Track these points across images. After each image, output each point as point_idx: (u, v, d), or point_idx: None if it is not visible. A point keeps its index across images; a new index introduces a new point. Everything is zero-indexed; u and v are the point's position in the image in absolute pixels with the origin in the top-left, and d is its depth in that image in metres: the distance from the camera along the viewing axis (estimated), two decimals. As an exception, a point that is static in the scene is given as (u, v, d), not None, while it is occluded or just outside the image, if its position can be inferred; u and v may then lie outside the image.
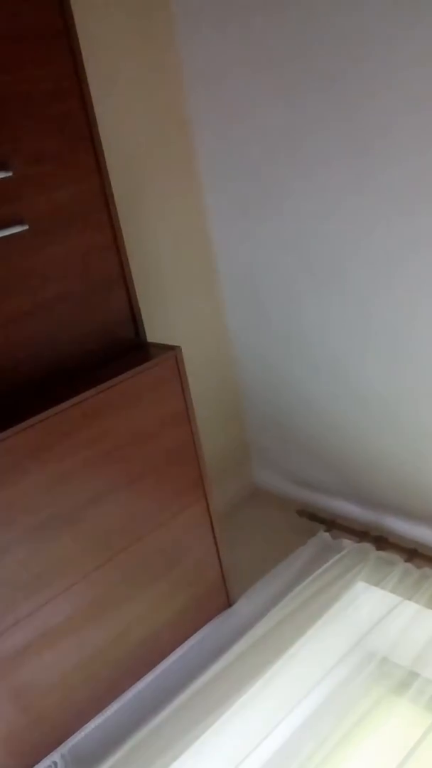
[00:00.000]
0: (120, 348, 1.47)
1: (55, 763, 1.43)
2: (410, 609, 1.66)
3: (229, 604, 1.74)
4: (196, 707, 1.51)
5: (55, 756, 1.44)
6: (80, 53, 1.29)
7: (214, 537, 1.65)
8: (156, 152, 1.79)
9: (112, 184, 1.39)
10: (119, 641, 1.50)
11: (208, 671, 1.58)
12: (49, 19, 1.24)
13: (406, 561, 1.76)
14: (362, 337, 1.74)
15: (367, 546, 1.84)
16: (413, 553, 1.78)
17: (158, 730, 1.48)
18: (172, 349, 1.45)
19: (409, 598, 1.66)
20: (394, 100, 1.44)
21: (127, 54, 1.67)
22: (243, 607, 1.74)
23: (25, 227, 1.25)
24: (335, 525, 1.94)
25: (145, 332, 1.51)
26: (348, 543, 1.87)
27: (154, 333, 1.59)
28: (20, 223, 1.25)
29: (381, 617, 1.66)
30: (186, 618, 1.64)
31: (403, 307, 1.63)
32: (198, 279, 1.98)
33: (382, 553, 1.81)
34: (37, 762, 1.41)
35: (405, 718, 1.56)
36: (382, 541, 1.84)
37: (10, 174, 1.22)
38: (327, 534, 1.91)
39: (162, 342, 1.51)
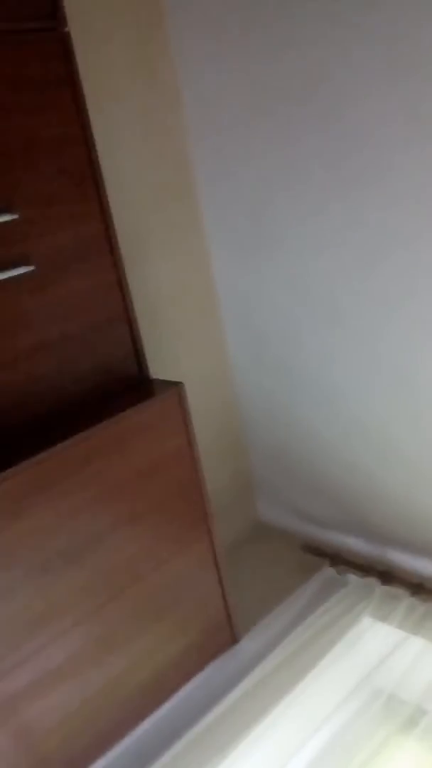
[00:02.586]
0: (123, 384, 1.48)
1: (58, 807, 1.41)
2: (417, 644, 1.65)
3: (234, 641, 1.73)
4: (202, 747, 1.49)
5: (59, 799, 1.41)
6: (84, 99, 1.33)
7: (219, 574, 1.64)
8: (158, 193, 1.83)
9: (116, 224, 1.42)
10: (123, 681, 1.49)
11: (213, 710, 1.56)
12: (53, 67, 1.28)
13: (411, 595, 1.75)
14: (363, 370, 1.76)
15: (373, 581, 1.83)
16: (419, 588, 1.77)
17: (164, 772, 1.46)
18: (175, 385, 1.47)
19: (416, 633, 1.65)
20: (392, 138, 1.47)
21: (129, 99, 1.72)
22: (248, 644, 1.73)
23: (31, 268, 1.28)
24: (340, 560, 1.93)
25: (148, 369, 1.52)
26: (353, 578, 1.86)
27: (158, 369, 1.60)
28: (26, 263, 1.28)
29: (387, 653, 1.65)
30: (190, 656, 1.63)
31: (404, 339, 1.65)
32: (200, 315, 2.00)
33: (387, 588, 1.80)
34: (41, 805, 1.39)
35: (413, 756, 1.54)
36: (387, 575, 1.83)
37: (16, 216, 1.25)
38: (332, 569, 1.91)
39: (165, 378, 1.52)
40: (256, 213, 1.80)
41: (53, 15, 1.26)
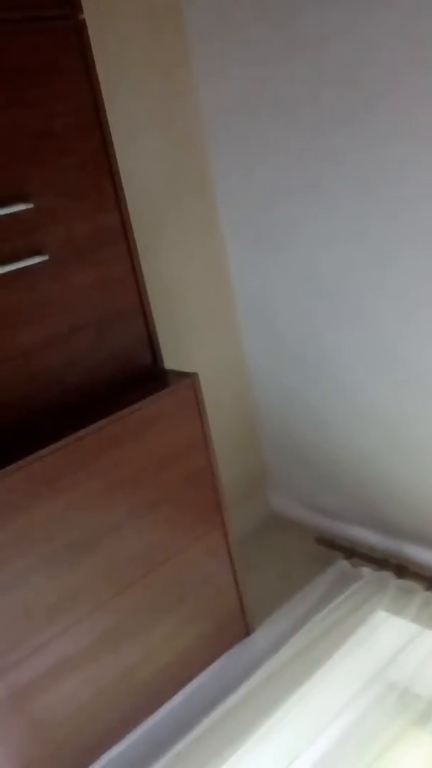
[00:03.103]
0: (138, 375, 1.48)
1: (72, 795, 1.42)
2: (431, 638, 1.63)
3: (247, 633, 1.73)
4: (214, 738, 1.49)
5: (72, 787, 1.42)
6: (100, 88, 1.32)
7: (232, 565, 1.64)
8: (175, 185, 1.82)
9: (131, 215, 1.41)
10: (136, 670, 1.50)
11: (226, 702, 1.56)
12: (69, 56, 1.28)
13: (426, 590, 1.74)
14: (379, 362, 1.75)
15: (387, 574, 1.82)
16: (434, 582, 1.76)
17: (176, 762, 1.46)
18: (190, 376, 1.46)
19: (430, 628, 1.64)
20: (415, 134, 1.45)
21: (147, 90, 1.71)
22: (261, 636, 1.73)
23: (45, 258, 1.28)
24: (354, 553, 1.93)
25: (162, 359, 1.52)
26: (367, 571, 1.85)
27: (172, 360, 1.60)
28: (40, 253, 1.27)
29: (401, 647, 1.64)
30: (204, 647, 1.63)
31: (419, 332, 1.63)
32: (215, 306, 2.00)
33: (402, 582, 1.79)
34: (54, 793, 1.40)
35: (427, 750, 1.53)
36: (401, 569, 1.82)
37: (31, 206, 1.24)
38: (346, 562, 1.90)
39: (179, 369, 1.52)
40: (272, 206, 1.78)
41: (68, 2, 1.26)
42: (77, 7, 1.27)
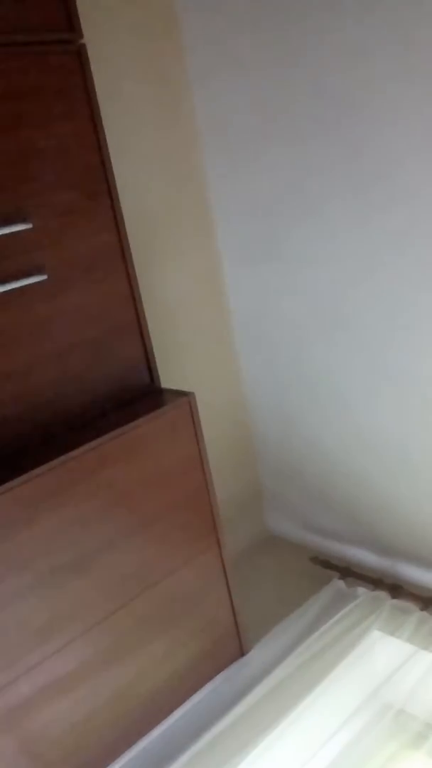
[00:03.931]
0: (134, 394, 1.49)
1: None
2: (427, 659, 1.63)
3: (242, 653, 1.72)
4: (208, 759, 1.48)
5: (65, 809, 1.41)
6: (98, 109, 1.34)
7: (227, 584, 1.64)
8: (171, 203, 1.84)
9: (129, 234, 1.43)
10: (130, 691, 1.49)
11: (220, 722, 1.55)
12: (69, 79, 1.30)
13: (421, 609, 1.74)
14: (372, 380, 1.76)
15: (382, 594, 1.82)
16: (429, 602, 1.75)
17: (170, 784, 1.45)
18: (186, 395, 1.47)
19: (425, 648, 1.64)
20: (402, 146, 1.48)
21: (142, 110, 1.74)
22: (256, 656, 1.72)
23: (44, 277, 1.29)
24: (349, 573, 1.92)
25: (159, 378, 1.53)
26: (363, 591, 1.84)
27: (168, 379, 1.61)
28: (39, 273, 1.29)
29: (397, 667, 1.63)
30: (198, 667, 1.62)
31: (412, 350, 1.65)
32: (211, 325, 2.01)
33: (397, 602, 1.79)
34: None
35: (422, 773, 1.53)
36: (397, 589, 1.82)
37: (30, 226, 1.26)
38: (341, 582, 1.90)
39: (175, 387, 1.53)
40: (267, 224, 1.80)
41: (70, 27, 1.28)
42: (78, 33, 1.29)
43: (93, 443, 1.31)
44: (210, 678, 1.66)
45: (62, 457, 1.27)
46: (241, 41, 1.67)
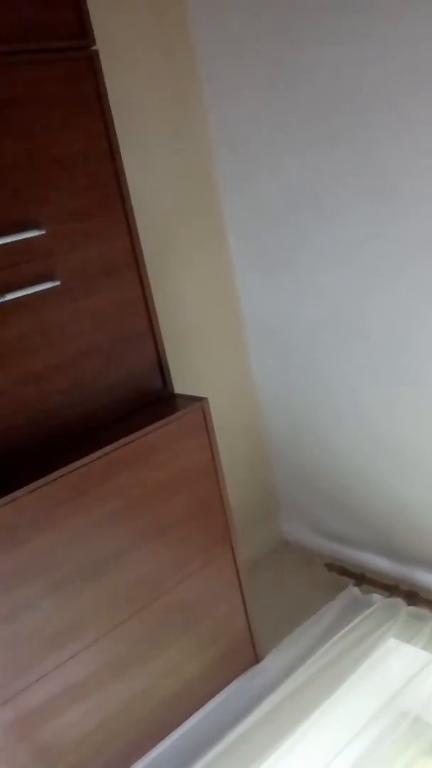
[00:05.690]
0: (147, 399, 1.49)
1: None
2: (443, 667, 1.61)
3: (256, 660, 1.71)
4: (223, 767, 1.47)
5: None
6: (111, 115, 1.35)
7: (241, 591, 1.63)
8: (183, 209, 1.84)
9: (141, 240, 1.43)
10: (143, 699, 1.48)
11: (234, 730, 1.54)
12: (82, 85, 1.30)
13: (438, 617, 1.72)
14: (387, 385, 1.74)
15: (398, 601, 1.80)
16: (445, 609, 1.74)
17: (184, 792, 1.44)
18: (199, 401, 1.47)
19: (442, 656, 1.62)
20: (418, 150, 1.47)
21: (155, 116, 1.74)
22: (271, 663, 1.71)
23: (57, 283, 1.29)
24: (365, 579, 1.91)
25: (172, 383, 1.52)
26: (378, 598, 1.83)
27: (181, 384, 1.60)
28: (52, 279, 1.29)
29: (413, 675, 1.62)
30: (212, 675, 1.61)
31: (428, 355, 1.63)
32: (224, 330, 2.00)
33: (413, 609, 1.77)
34: None
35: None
36: (413, 595, 1.80)
37: (43, 232, 1.26)
38: (356, 589, 1.88)
39: (189, 393, 1.52)
40: (280, 229, 1.80)
41: (83, 34, 1.28)
42: (90, 39, 1.29)
43: (106, 449, 1.31)
44: (224, 686, 1.65)
45: (74, 464, 1.27)
46: (254, 53, 1.67)
